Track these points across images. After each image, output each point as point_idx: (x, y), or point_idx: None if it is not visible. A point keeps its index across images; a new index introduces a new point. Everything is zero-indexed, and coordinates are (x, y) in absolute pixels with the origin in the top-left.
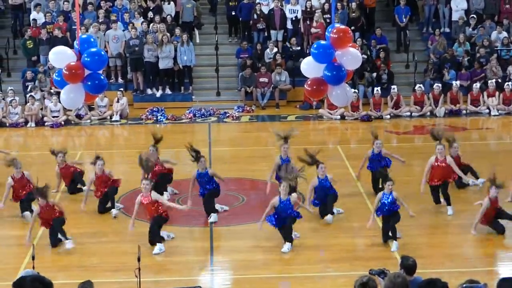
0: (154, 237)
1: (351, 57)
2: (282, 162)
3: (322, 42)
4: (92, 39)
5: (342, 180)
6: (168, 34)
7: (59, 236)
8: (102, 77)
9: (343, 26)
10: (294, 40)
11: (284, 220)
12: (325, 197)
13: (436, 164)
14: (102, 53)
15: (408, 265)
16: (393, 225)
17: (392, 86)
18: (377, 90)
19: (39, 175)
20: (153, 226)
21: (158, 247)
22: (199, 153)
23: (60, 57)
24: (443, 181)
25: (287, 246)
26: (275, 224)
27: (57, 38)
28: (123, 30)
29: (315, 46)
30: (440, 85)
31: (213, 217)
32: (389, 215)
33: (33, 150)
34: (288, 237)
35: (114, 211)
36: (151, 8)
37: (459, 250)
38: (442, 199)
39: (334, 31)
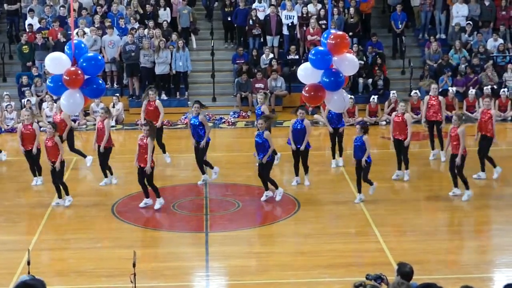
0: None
1: (348, 63)
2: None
3: (320, 48)
4: (82, 45)
5: (337, 186)
6: (164, 40)
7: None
8: (100, 82)
9: (340, 32)
10: (294, 48)
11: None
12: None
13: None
14: (99, 57)
15: (405, 272)
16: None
17: (392, 91)
18: (373, 98)
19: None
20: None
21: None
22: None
23: (56, 63)
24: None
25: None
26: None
27: (60, 42)
28: (119, 36)
29: (313, 52)
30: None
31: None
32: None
33: None
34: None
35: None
36: (148, 13)
37: (455, 256)
38: None
39: (332, 37)
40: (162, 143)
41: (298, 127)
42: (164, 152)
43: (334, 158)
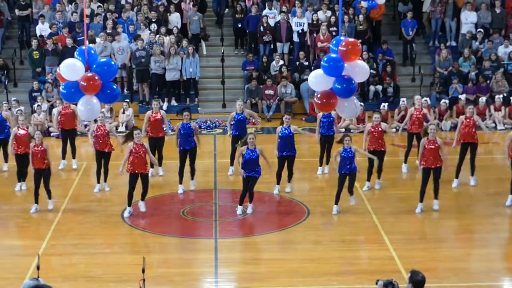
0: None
1: (358, 69)
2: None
3: (333, 55)
4: (92, 51)
5: (347, 193)
6: (175, 46)
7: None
8: (114, 87)
9: (351, 39)
10: (303, 54)
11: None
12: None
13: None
14: (112, 63)
15: (417, 281)
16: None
17: (402, 99)
18: (384, 105)
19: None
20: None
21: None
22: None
23: (71, 69)
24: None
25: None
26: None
27: (68, 48)
28: (129, 42)
29: (325, 59)
30: (447, 101)
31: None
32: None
33: None
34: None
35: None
36: (158, 19)
37: (464, 264)
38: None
39: (343, 44)
40: (162, 154)
41: (286, 133)
42: (160, 165)
43: (321, 165)
